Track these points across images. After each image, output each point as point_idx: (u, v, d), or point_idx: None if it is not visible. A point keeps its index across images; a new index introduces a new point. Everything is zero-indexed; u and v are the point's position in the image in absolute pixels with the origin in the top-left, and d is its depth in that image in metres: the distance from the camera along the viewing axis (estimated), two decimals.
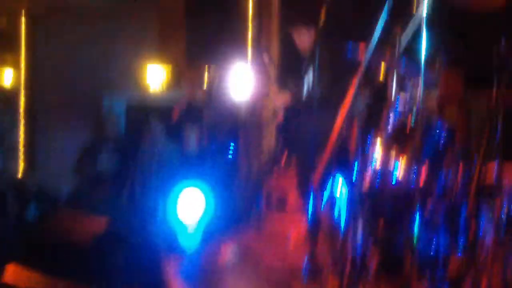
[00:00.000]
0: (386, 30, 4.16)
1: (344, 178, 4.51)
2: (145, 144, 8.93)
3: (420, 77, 4.13)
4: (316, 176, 4.87)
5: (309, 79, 5.94)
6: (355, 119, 4.62)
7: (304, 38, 6.38)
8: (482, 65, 4.86)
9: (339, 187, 4.66)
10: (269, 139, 8.56)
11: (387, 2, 3.18)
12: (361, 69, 3.31)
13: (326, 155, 3.33)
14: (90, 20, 10.00)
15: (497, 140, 4.21)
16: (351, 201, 4.27)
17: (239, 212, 7.76)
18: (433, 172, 4.21)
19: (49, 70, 10.52)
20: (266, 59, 8.29)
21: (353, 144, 4.55)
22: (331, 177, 4.81)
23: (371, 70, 4.76)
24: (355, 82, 3.27)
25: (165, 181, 8.61)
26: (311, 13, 6.19)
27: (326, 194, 4.75)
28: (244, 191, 7.98)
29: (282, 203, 7.30)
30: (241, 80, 8.15)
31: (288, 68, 7.67)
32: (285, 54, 8.40)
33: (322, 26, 5.66)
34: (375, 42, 3.32)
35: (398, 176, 4.28)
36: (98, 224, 5.14)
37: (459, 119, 6.29)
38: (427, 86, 5.69)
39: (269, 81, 8.70)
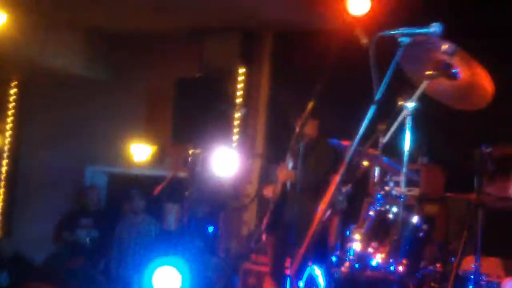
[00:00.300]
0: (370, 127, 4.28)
1: (322, 269, 4.55)
2: (125, 217, 8.95)
3: (401, 174, 4.19)
4: (294, 264, 4.91)
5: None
6: (336, 211, 4.71)
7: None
8: (462, 166, 4.98)
9: (317, 277, 4.69)
10: (249, 223, 8.63)
11: (373, 106, 3.29)
12: (344, 164, 3.39)
13: (305, 244, 3.38)
14: (81, 93, 10.17)
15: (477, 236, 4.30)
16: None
17: None
18: (412, 265, 4.28)
19: (35, 139, 10.62)
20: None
21: (332, 236, 4.63)
22: (308, 267, 4.85)
23: (354, 165, 4.87)
24: (338, 176, 3.35)
25: (142, 255, 8.60)
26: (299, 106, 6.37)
27: (303, 283, 4.78)
28: (221, 272, 7.97)
29: (257, 287, 7.30)
30: (224, 163, 8.24)
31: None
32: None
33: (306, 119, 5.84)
34: (358, 139, 3.40)
35: (376, 268, 4.34)
36: None
37: (438, 215, 6.41)
38: (408, 183, 5.83)
39: (252, 166, 8.84)
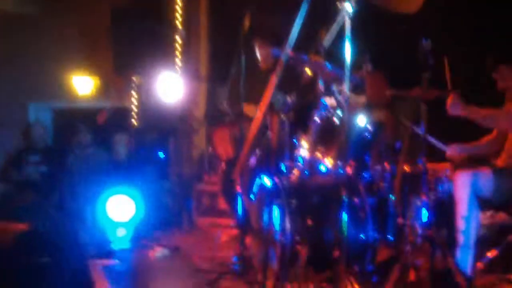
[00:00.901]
0: (309, 34, 4.23)
1: (270, 178, 4.54)
2: (72, 151, 8.83)
3: (345, 80, 4.16)
4: (236, 172, 4.91)
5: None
6: (275, 111, 4.67)
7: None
8: (405, 66, 4.98)
9: (266, 186, 4.68)
10: (199, 146, 8.61)
11: (303, 4, 3.22)
12: (279, 67, 3.34)
13: (245, 150, 3.36)
14: (15, 29, 9.90)
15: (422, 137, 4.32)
16: (278, 198, 4.31)
17: (169, 216, 7.76)
18: (359, 169, 4.30)
19: None
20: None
21: (274, 136, 4.60)
22: (258, 178, 4.85)
23: (297, 73, 4.83)
24: (272, 79, 3.30)
25: (94, 186, 8.54)
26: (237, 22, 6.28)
27: (253, 194, 4.77)
28: (175, 195, 7.98)
29: (212, 207, 7.33)
30: (170, 88, 8.14)
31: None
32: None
33: (246, 33, 5.77)
34: (292, 42, 3.34)
35: (325, 173, 4.35)
36: (20, 228, 5.07)
37: (385, 119, 6.44)
38: (353, 88, 5.82)
39: (198, 89, 8.77)
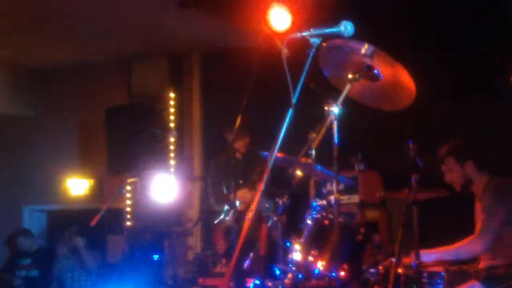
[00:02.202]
0: (298, 137, 4.26)
1: (263, 283, 4.50)
2: (65, 253, 8.75)
3: (336, 182, 4.18)
4: (225, 278, 4.85)
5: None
6: (263, 219, 4.67)
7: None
8: (396, 167, 5.00)
9: None
10: (195, 247, 8.54)
11: (290, 110, 3.28)
12: (266, 173, 3.34)
13: (235, 255, 3.33)
14: (10, 131, 9.99)
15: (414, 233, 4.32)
16: None
17: None
18: (353, 269, 4.25)
19: None
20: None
21: (263, 244, 4.59)
22: (252, 282, 4.80)
23: (288, 176, 4.84)
24: (262, 184, 3.30)
25: None
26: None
27: None
28: None
29: None
30: (163, 188, 8.13)
31: None
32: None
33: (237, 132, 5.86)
34: (277, 146, 3.37)
35: (319, 276, 4.31)
36: None
37: (380, 220, 6.45)
38: (346, 189, 5.85)
39: (192, 189, 8.77)
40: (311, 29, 3.45)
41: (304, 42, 3.51)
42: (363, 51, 4.22)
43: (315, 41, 3.41)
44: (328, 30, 3.46)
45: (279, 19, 6.93)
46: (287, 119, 3.31)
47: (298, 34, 3.44)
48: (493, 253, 4.98)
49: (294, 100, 3.29)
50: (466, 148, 5.18)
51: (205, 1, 7.38)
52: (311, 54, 3.41)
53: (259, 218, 4.63)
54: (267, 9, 6.89)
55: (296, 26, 6.87)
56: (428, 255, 4.77)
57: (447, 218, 5.69)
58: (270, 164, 3.34)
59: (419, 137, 4.73)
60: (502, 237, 4.90)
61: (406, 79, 4.24)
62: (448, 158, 5.16)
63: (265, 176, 3.25)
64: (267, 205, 4.50)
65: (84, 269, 8.49)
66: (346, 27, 3.45)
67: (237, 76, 7.60)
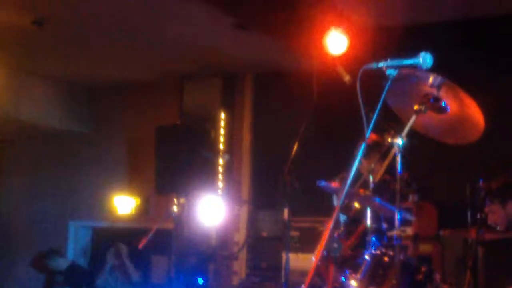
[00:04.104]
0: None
1: None
2: (109, 271, 8.70)
3: (395, 214, 4.01)
4: None
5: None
6: (331, 259, 4.50)
7: None
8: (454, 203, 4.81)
9: None
10: (240, 272, 8.40)
11: (363, 144, 3.11)
12: (336, 211, 3.19)
13: None
14: (61, 146, 10.03)
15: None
16: None
17: None
18: None
19: (16, 195, 10.42)
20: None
21: (329, 286, 4.41)
22: None
23: (345, 207, 4.69)
24: (331, 224, 3.14)
25: None
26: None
27: None
28: None
29: None
30: (211, 211, 8.02)
31: None
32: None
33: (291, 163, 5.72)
34: (351, 179, 3.20)
35: None
36: None
37: (434, 254, 6.21)
38: (402, 223, 5.62)
39: (239, 213, 8.63)
40: (388, 60, 3.27)
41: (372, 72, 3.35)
42: (430, 81, 4.05)
43: (391, 72, 3.23)
44: (406, 62, 3.28)
45: (336, 42, 6.82)
46: (360, 153, 3.14)
47: (375, 65, 3.28)
48: None
49: (368, 134, 3.12)
50: (507, 189, 4.96)
51: (261, 22, 7.27)
52: (387, 85, 3.23)
53: (327, 258, 4.46)
54: (324, 32, 6.78)
55: (353, 50, 6.74)
56: None
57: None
58: (340, 201, 3.17)
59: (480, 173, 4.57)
60: None
61: (475, 112, 4.05)
62: (490, 197, 4.93)
63: (334, 214, 3.09)
64: (335, 245, 4.33)
65: (127, 282, 8.44)
66: (424, 59, 3.27)
67: (291, 99, 7.49)
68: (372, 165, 4.62)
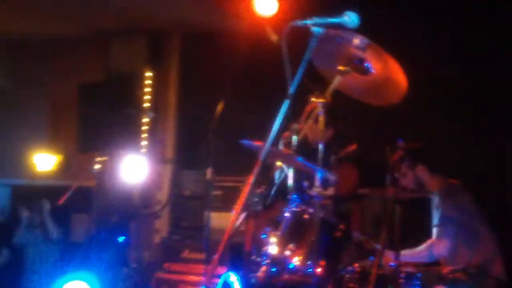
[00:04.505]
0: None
1: (237, 275, 4.39)
2: (28, 220, 8.59)
3: (316, 175, 4.09)
4: (209, 271, 4.74)
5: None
6: (251, 213, 4.56)
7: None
8: (374, 163, 4.91)
9: (232, 283, 4.52)
10: (161, 231, 8.39)
11: (286, 101, 3.13)
12: (257, 167, 3.21)
13: (220, 249, 3.18)
14: None
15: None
16: None
17: None
18: (330, 266, 4.16)
19: None
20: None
21: (248, 240, 4.46)
22: (223, 273, 4.69)
23: (267, 166, 4.73)
24: (252, 177, 3.16)
25: (50, 269, 8.26)
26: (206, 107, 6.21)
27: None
28: (133, 283, 7.72)
29: None
30: (134, 170, 7.97)
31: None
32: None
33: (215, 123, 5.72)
34: (272, 136, 3.22)
35: (294, 272, 4.20)
36: None
37: (353, 213, 6.35)
38: (322, 183, 5.70)
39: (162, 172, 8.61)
40: (314, 18, 3.28)
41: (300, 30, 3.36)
42: (355, 42, 4.11)
43: (317, 30, 3.25)
44: (332, 20, 3.29)
45: (265, 3, 6.81)
46: (283, 110, 3.15)
47: (300, 22, 3.28)
48: (452, 257, 4.98)
49: (292, 91, 3.13)
50: (416, 153, 5.12)
51: None
52: (313, 44, 3.25)
53: (247, 212, 4.50)
54: None
55: (282, 12, 6.75)
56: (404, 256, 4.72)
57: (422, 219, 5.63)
58: (262, 156, 3.19)
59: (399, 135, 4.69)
60: (458, 240, 4.90)
61: (398, 75, 4.14)
62: (399, 164, 5.09)
63: (256, 169, 3.11)
64: (255, 199, 4.37)
65: (47, 239, 8.35)
66: (351, 18, 3.28)
67: (219, 60, 7.46)
68: (296, 125, 4.65)
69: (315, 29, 3.27)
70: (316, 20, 3.29)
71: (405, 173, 5.13)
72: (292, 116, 4.48)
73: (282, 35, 3.27)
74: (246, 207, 4.36)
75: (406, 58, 4.09)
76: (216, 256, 3.17)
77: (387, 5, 6.54)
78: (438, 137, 6.34)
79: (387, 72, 4.17)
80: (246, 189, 3.14)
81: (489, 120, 6.48)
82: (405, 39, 6.29)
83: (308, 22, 3.29)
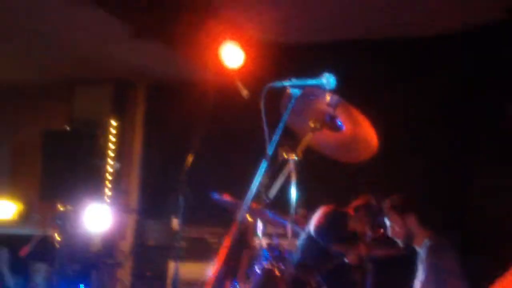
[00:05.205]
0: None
1: None
2: None
3: (286, 228, 4.11)
4: None
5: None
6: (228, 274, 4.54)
7: None
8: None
9: None
10: (124, 279, 8.31)
11: (264, 161, 3.15)
12: (237, 225, 3.21)
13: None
14: None
15: None
16: None
17: None
18: None
19: None
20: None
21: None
22: None
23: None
24: (230, 237, 3.16)
25: None
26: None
27: None
28: None
29: None
30: (97, 219, 7.91)
31: None
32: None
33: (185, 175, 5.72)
34: (251, 195, 3.23)
35: None
36: None
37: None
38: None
39: (126, 221, 8.55)
40: (292, 79, 3.32)
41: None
42: (327, 100, 4.18)
43: (295, 91, 3.29)
44: (310, 82, 3.33)
45: (232, 56, 6.88)
46: (262, 170, 3.17)
47: (279, 84, 3.32)
48: None
49: (270, 152, 3.16)
50: (408, 202, 5.17)
51: (157, 31, 7.24)
52: (290, 105, 3.28)
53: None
54: (219, 44, 6.83)
55: (250, 64, 6.83)
56: None
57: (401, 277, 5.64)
58: (240, 216, 3.20)
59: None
60: None
61: (369, 133, 4.21)
62: (390, 212, 5.13)
63: (234, 229, 3.11)
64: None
65: None
66: (328, 80, 3.33)
67: (185, 110, 7.49)
68: (266, 180, 4.68)
69: (292, 90, 3.30)
70: (294, 81, 3.32)
71: (394, 222, 5.11)
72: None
73: (260, 96, 3.30)
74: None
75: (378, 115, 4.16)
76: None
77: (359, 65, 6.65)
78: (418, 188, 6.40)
79: (358, 130, 4.24)
80: (224, 250, 3.14)
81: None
82: (374, 94, 6.40)
83: (286, 83, 3.32)
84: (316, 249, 4.86)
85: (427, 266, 4.91)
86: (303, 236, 5.01)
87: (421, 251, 5.06)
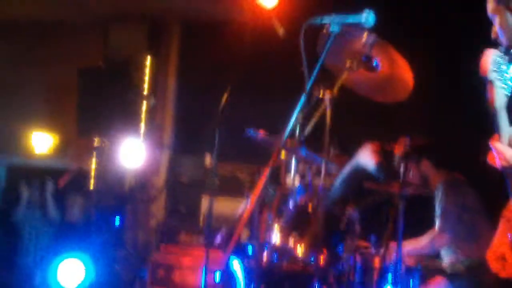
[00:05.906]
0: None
1: (242, 263, 4.48)
2: (23, 209, 8.64)
3: (320, 165, 4.17)
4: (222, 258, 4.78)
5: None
6: (266, 205, 4.63)
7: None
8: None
9: (235, 272, 4.61)
10: (157, 215, 8.47)
11: (303, 96, 3.18)
12: (274, 158, 3.26)
13: (234, 238, 3.27)
14: None
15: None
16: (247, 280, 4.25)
17: (121, 286, 7.57)
18: (332, 257, 4.25)
19: None
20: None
21: (262, 231, 4.51)
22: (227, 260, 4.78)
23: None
24: (268, 169, 3.22)
25: (45, 249, 8.34)
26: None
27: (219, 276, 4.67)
28: (128, 264, 7.80)
29: (166, 279, 7.16)
30: (131, 154, 8.05)
31: None
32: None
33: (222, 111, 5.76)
34: (289, 129, 3.27)
35: (296, 260, 4.29)
36: None
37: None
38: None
39: (160, 157, 8.68)
40: (333, 16, 3.29)
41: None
42: (364, 39, 4.19)
43: (334, 28, 3.27)
44: (349, 19, 3.30)
45: None
46: (300, 105, 3.20)
47: (318, 20, 3.30)
48: (452, 250, 5.09)
49: (309, 86, 3.19)
50: (422, 148, 5.19)
51: None
52: (329, 43, 3.26)
53: (262, 203, 4.57)
54: None
55: (285, 3, 6.80)
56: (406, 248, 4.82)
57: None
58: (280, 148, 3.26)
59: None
60: (458, 234, 5.00)
61: (405, 73, 4.23)
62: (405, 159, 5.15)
63: (271, 162, 3.18)
64: (271, 191, 4.46)
65: (45, 221, 8.42)
66: (367, 17, 3.30)
67: (220, 50, 7.50)
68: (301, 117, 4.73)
69: (332, 27, 3.27)
70: (334, 18, 3.28)
71: (410, 168, 5.16)
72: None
73: (299, 34, 3.30)
74: (262, 198, 4.44)
75: (414, 54, 4.17)
76: (230, 245, 3.26)
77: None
78: (444, 132, 6.38)
79: (394, 70, 4.27)
80: (262, 181, 3.21)
81: None
82: (414, 36, 6.33)
83: (326, 20, 3.28)
84: (359, 184, 4.94)
85: (447, 201, 4.99)
86: (347, 170, 5.06)
87: (438, 189, 5.11)
